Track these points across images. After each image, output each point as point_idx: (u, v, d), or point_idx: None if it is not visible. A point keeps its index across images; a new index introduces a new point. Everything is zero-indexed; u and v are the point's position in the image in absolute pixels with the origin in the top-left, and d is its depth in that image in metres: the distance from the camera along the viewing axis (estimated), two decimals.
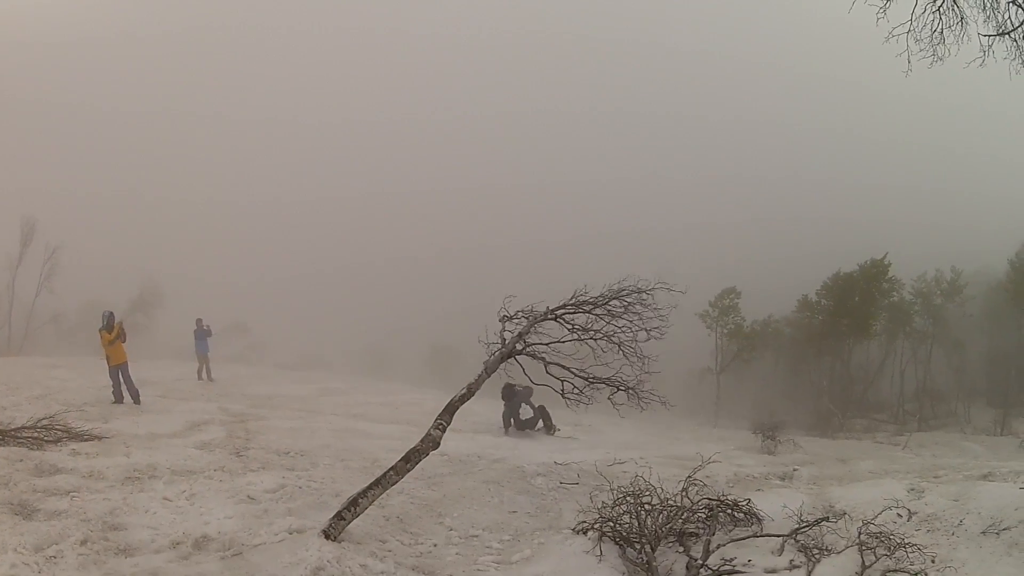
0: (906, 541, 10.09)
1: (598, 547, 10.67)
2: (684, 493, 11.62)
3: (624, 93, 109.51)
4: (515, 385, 20.15)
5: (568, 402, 12.34)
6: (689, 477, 12.18)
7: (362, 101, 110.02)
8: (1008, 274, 43.99)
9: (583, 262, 64.90)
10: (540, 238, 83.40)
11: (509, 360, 12.11)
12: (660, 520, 10.90)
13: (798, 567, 10.26)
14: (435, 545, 11.15)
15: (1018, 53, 11.55)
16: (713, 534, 11.10)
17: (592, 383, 12.04)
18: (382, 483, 10.79)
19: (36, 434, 14.44)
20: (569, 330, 12.25)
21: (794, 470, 16.85)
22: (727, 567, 10.21)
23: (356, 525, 10.69)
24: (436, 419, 11.49)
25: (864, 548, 10.07)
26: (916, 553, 9.94)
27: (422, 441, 11.22)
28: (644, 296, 12.26)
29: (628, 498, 11.26)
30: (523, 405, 21.96)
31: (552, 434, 22.32)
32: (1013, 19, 11.54)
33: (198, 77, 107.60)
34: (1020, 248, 43.58)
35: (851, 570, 9.95)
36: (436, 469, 14.96)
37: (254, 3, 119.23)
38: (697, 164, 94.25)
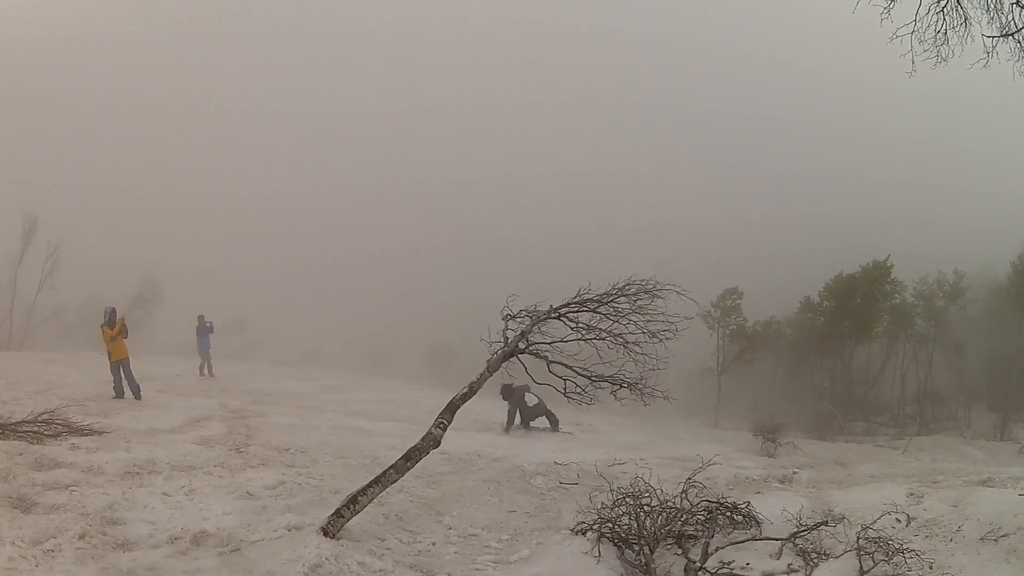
0: (904, 546, 10.05)
1: (597, 548, 10.67)
2: (683, 495, 11.61)
3: (627, 87, 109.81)
4: (513, 384, 20.17)
5: (570, 401, 12.35)
6: (689, 479, 12.17)
7: (361, 93, 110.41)
8: (1010, 277, 43.92)
9: (584, 257, 65.18)
10: (540, 232, 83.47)
11: (511, 359, 12.11)
12: (659, 522, 10.89)
13: (796, 571, 10.25)
14: (434, 544, 11.13)
15: (1022, 55, 11.55)
16: (712, 537, 11.08)
17: (595, 381, 12.04)
18: (382, 481, 10.79)
19: (36, 428, 14.42)
20: (573, 328, 12.24)
21: (794, 473, 16.81)
22: (725, 570, 10.18)
23: (355, 523, 10.68)
24: (437, 417, 11.50)
25: (862, 553, 10.05)
26: (914, 559, 9.91)
27: (423, 439, 11.22)
28: (651, 296, 12.25)
29: (627, 499, 11.26)
30: (527, 395, 21.95)
31: (558, 430, 22.43)
32: (1017, 21, 11.54)
33: (195, 70, 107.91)
34: (1023, 251, 43.49)
35: (849, 575, 9.93)
36: (436, 467, 14.95)
37: None
38: (700, 159, 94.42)
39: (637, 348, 12.05)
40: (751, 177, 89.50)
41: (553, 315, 12.26)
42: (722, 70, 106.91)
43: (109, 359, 21.13)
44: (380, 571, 9.67)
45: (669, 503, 11.29)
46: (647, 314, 12.17)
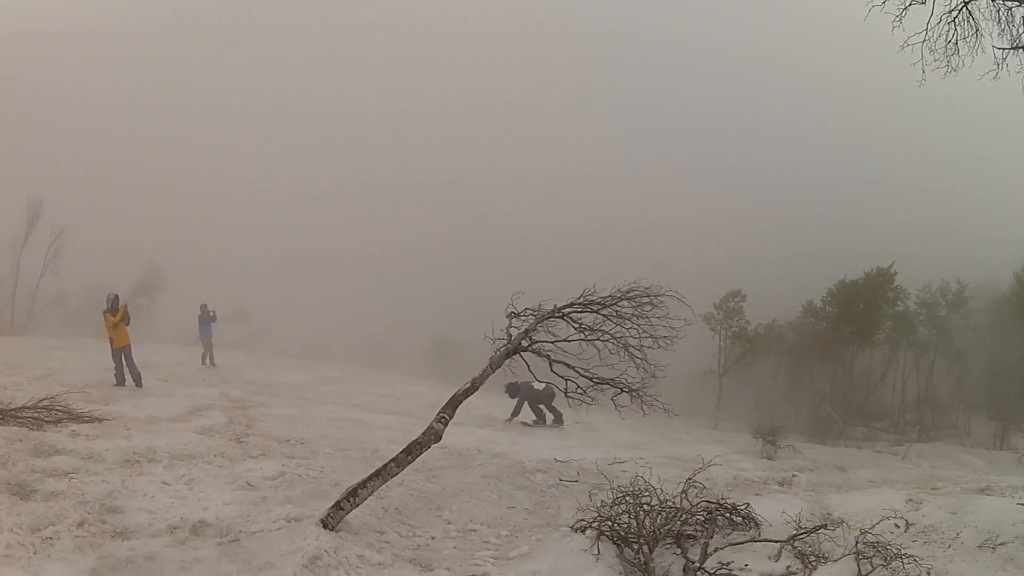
0: (903, 552, 10.06)
1: (596, 546, 10.65)
2: (683, 495, 11.60)
3: (628, 87, 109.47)
4: (517, 382, 20.20)
5: (571, 402, 12.37)
6: (689, 479, 12.16)
7: (366, 89, 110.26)
8: (1013, 287, 43.90)
9: (585, 256, 65.17)
10: (541, 231, 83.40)
11: (514, 357, 12.13)
12: (659, 521, 10.88)
13: (795, 574, 10.24)
14: (433, 538, 11.15)
15: None
16: (711, 537, 11.08)
17: (596, 384, 12.05)
18: (382, 474, 10.80)
19: (36, 415, 14.45)
20: (576, 329, 12.24)
21: (793, 476, 16.84)
22: (724, 571, 10.19)
23: (354, 515, 10.69)
24: (439, 412, 11.52)
25: (861, 557, 10.05)
26: (912, 564, 9.91)
27: (424, 434, 11.24)
28: (655, 300, 12.26)
29: (627, 498, 11.25)
30: (534, 384, 22.03)
31: (560, 424, 22.55)
32: None
33: (202, 64, 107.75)
34: None
35: None
36: (436, 462, 14.98)
37: None
38: (702, 160, 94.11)
39: (639, 352, 12.06)
40: (753, 178, 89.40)
41: (557, 315, 12.28)
42: (725, 70, 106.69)
43: (111, 346, 21.17)
44: (379, 564, 9.68)
45: (669, 503, 11.28)
46: (649, 320, 12.18)
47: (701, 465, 13.06)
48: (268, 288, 70.81)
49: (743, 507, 11.81)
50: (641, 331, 12.14)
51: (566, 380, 12.24)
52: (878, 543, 10.20)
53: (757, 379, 50.17)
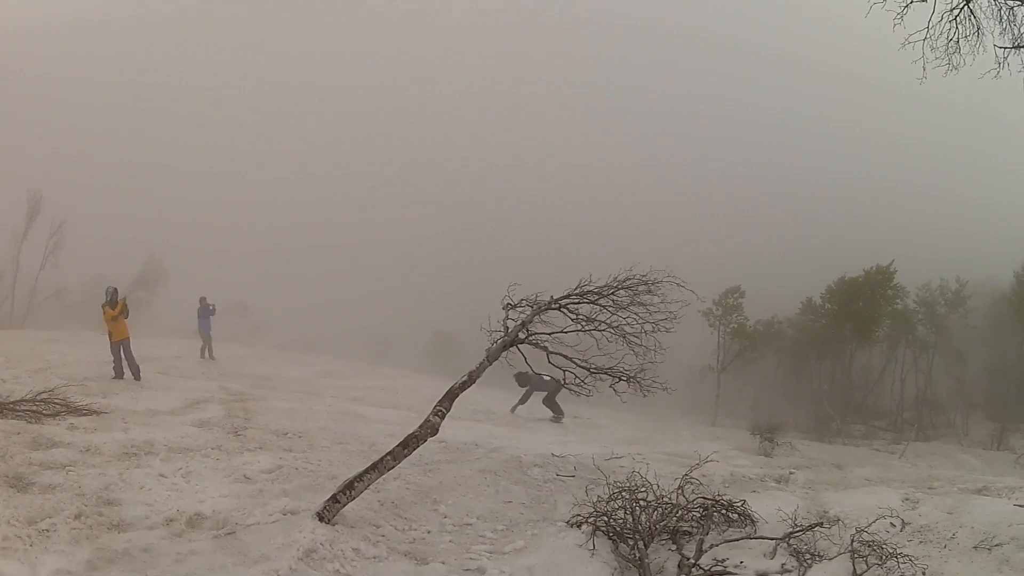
0: (898, 551, 10.08)
1: (591, 541, 10.68)
2: (680, 491, 11.62)
3: (633, 82, 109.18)
4: (529, 372, 20.25)
5: (570, 392, 12.40)
6: (685, 475, 12.18)
7: (368, 80, 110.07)
8: (1013, 287, 43.89)
9: (586, 250, 64.99)
10: (543, 224, 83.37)
11: (512, 349, 12.13)
12: (654, 517, 10.90)
13: (790, 571, 10.26)
14: (429, 532, 11.17)
15: None
16: (707, 534, 11.10)
17: (594, 373, 12.05)
18: (379, 468, 10.81)
19: (35, 407, 14.47)
20: (573, 320, 12.25)
21: (790, 473, 16.82)
22: (719, 567, 10.21)
23: (350, 509, 10.70)
24: (435, 406, 11.50)
25: (856, 556, 10.06)
26: (908, 564, 9.93)
27: (421, 427, 11.23)
28: (651, 288, 12.26)
29: (623, 493, 11.28)
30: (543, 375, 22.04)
31: (560, 420, 22.68)
32: None
33: (201, 54, 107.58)
34: None
35: None
36: (433, 456, 14.98)
37: None
38: (704, 156, 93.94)
39: (636, 340, 12.06)
40: (753, 176, 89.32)
41: (554, 306, 12.27)
42: (726, 67, 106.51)
43: (110, 339, 21.19)
44: (374, 558, 9.70)
45: (665, 499, 11.29)
46: (647, 306, 12.18)
47: (698, 461, 13.08)
48: (269, 281, 70.80)
49: (739, 504, 11.85)
50: (639, 318, 12.14)
51: (564, 371, 12.25)
52: (874, 542, 10.23)
53: (756, 376, 50.17)
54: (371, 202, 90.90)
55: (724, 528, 11.47)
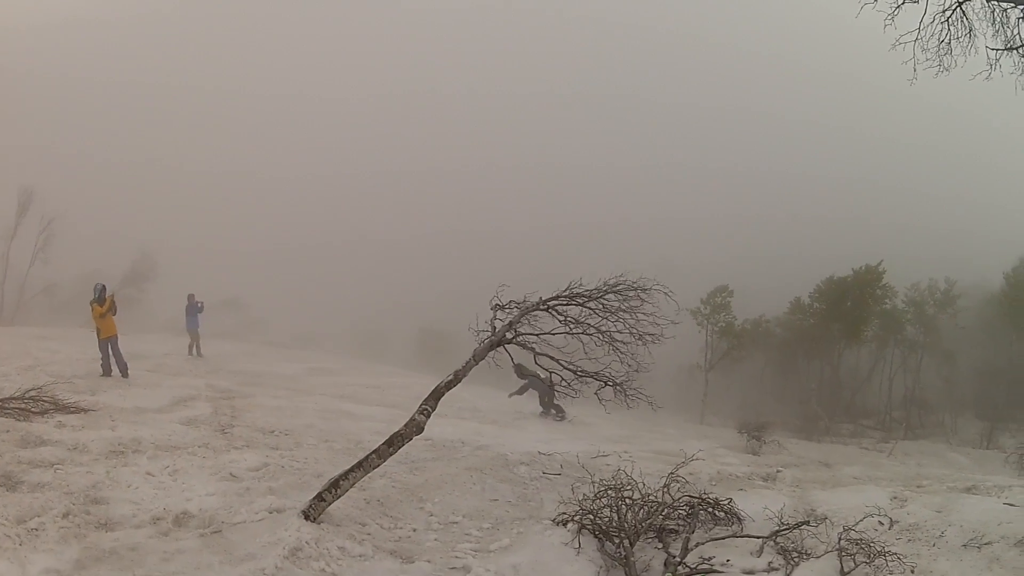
0: (886, 549, 10.12)
1: (577, 539, 10.69)
2: (665, 489, 11.64)
3: (625, 81, 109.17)
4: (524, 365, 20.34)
5: (557, 394, 12.44)
6: (671, 473, 12.20)
7: (361, 79, 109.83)
8: (1003, 288, 43.99)
9: (579, 250, 65.01)
10: (537, 224, 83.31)
11: (499, 349, 12.13)
12: (640, 515, 10.92)
13: (776, 570, 10.29)
14: (415, 530, 11.20)
15: None
16: (693, 532, 11.14)
17: (580, 376, 12.06)
18: (364, 466, 10.83)
19: (23, 405, 14.50)
20: (561, 322, 12.24)
21: (778, 471, 16.87)
22: (705, 566, 10.23)
23: (337, 507, 10.72)
24: (421, 404, 11.51)
25: (844, 554, 10.10)
26: (896, 562, 9.97)
27: (406, 426, 11.24)
28: (641, 294, 12.25)
29: (609, 491, 11.28)
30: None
31: (549, 414, 22.80)
32: (1023, 35, 11.59)
33: (194, 51, 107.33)
34: (1018, 263, 43.55)
35: (829, 575, 9.97)
36: (419, 454, 15.00)
37: None
38: (694, 157, 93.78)
39: (623, 346, 12.07)
40: (748, 175, 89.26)
41: (542, 307, 12.27)
42: (721, 67, 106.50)
43: (98, 336, 21.17)
44: (360, 556, 9.72)
45: (651, 497, 11.32)
46: (635, 314, 12.18)
47: (684, 459, 13.10)
48: (263, 278, 70.63)
49: (726, 502, 11.88)
50: (627, 326, 12.14)
51: (550, 372, 12.26)
52: (862, 540, 10.28)
53: (744, 375, 50.15)
54: (368, 201, 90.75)
55: (711, 526, 11.51)
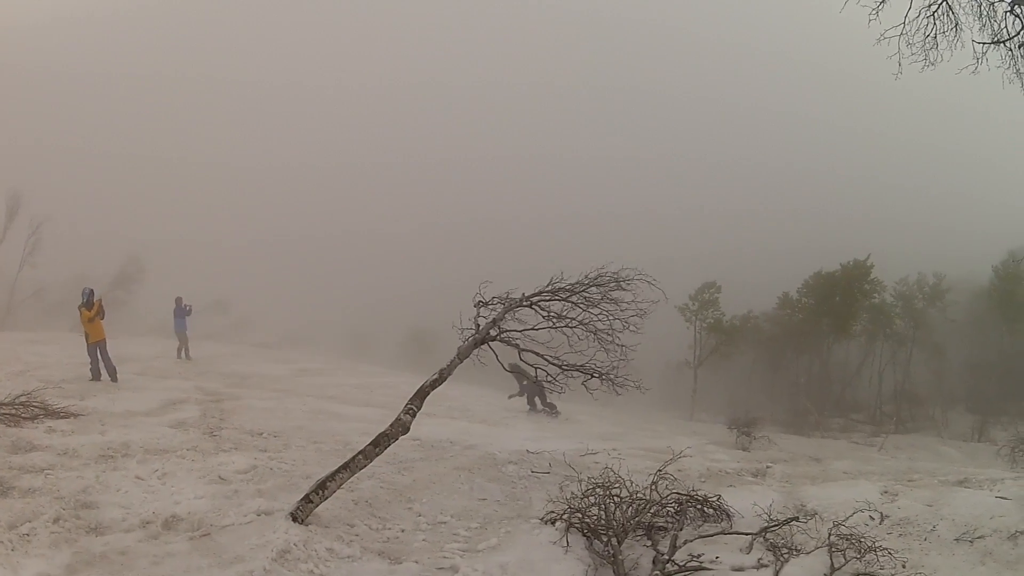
0: (877, 544, 10.09)
1: (565, 538, 10.69)
2: (654, 486, 11.63)
3: (620, 74, 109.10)
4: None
5: (544, 387, 12.45)
6: (659, 471, 12.19)
7: (349, 72, 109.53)
8: (992, 281, 44.13)
9: (568, 243, 65.01)
10: (526, 218, 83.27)
11: (484, 347, 12.15)
12: (629, 513, 10.90)
13: (766, 566, 10.26)
14: (403, 531, 11.18)
15: (1012, 63, 11.58)
16: (681, 529, 11.12)
17: (566, 370, 12.07)
18: (350, 467, 10.86)
19: (14, 411, 14.58)
20: (544, 317, 12.25)
21: (767, 467, 16.86)
22: (694, 563, 10.21)
23: (325, 508, 10.75)
24: (407, 404, 11.55)
25: (834, 550, 10.08)
26: (887, 557, 9.94)
27: (392, 426, 11.28)
28: (622, 285, 12.27)
29: (597, 489, 11.27)
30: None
31: (537, 411, 22.84)
32: (1010, 28, 11.57)
33: (179, 47, 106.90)
34: (1006, 257, 43.71)
35: (820, 571, 9.95)
36: (407, 454, 14.99)
37: None
38: (683, 150, 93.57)
39: (607, 337, 12.09)
40: (734, 170, 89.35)
41: (525, 303, 12.30)
42: (712, 61, 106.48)
43: (86, 341, 21.20)
44: (348, 557, 9.72)
45: (639, 494, 11.31)
46: (619, 303, 12.20)
47: (672, 456, 13.11)
48: (249, 276, 70.45)
49: (715, 499, 11.87)
50: (610, 316, 12.16)
51: (535, 368, 12.28)
52: (852, 535, 10.26)
53: (733, 371, 50.14)
54: (356, 194, 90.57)
55: (699, 523, 11.51)
